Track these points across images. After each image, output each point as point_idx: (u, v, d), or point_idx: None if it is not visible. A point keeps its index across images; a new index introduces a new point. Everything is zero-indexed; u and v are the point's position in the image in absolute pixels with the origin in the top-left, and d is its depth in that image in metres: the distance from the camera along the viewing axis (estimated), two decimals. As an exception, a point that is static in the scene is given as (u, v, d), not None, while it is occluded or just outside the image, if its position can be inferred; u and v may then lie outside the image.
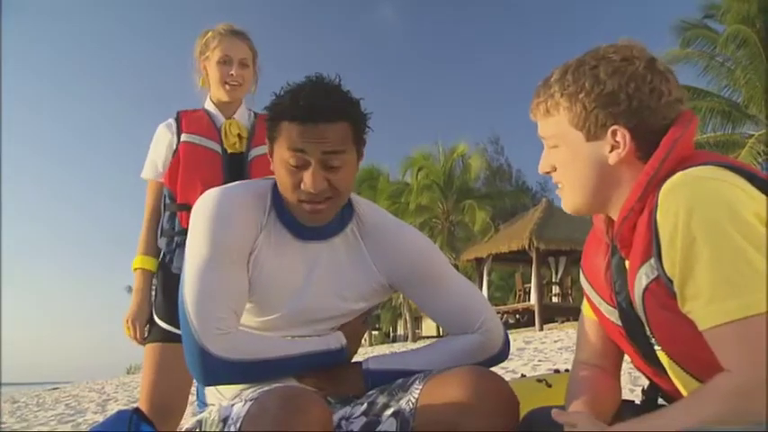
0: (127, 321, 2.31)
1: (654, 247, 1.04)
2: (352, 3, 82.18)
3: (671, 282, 1.02)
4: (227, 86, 2.32)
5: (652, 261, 1.05)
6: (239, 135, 2.33)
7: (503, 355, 1.54)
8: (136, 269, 2.34)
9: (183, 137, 2.30)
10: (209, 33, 2.37)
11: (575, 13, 70.04)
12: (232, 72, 2.31)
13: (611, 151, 1.15)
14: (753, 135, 16.12)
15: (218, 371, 1.34)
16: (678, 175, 1.04)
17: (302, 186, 1.34)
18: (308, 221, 1.41)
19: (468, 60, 73.31)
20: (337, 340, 1.46)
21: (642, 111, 1.12)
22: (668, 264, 1.02)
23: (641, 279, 1.09)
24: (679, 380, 1.15)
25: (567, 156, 1.21)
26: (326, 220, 1.42)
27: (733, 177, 1.02)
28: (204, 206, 1.40)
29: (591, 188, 1.19)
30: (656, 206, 1.04)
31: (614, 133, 1.14)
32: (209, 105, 2.39)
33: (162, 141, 2.34)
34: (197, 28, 2.45)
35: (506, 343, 1.55)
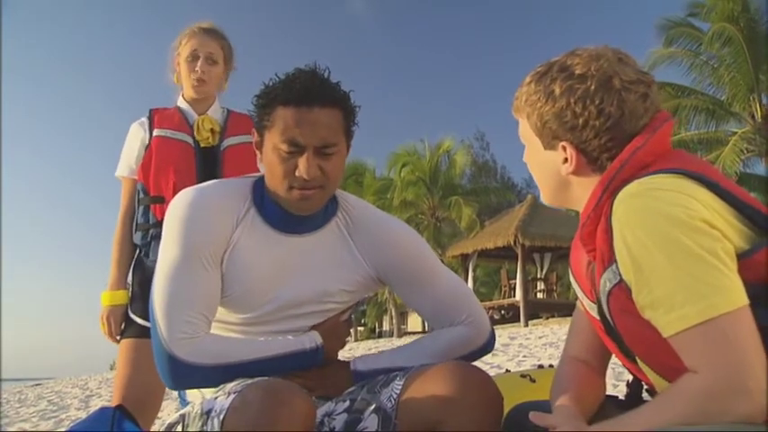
0: (102, 318, 2.29)
1: (613, 254, 1.06)
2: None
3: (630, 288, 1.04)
4: (195, 82, 2.32)
5: (614, 267, 1.06)
6: (212, 130, 2.32)
7: (488, 346, 1.56)
8: (106, 306, 2.29)
9: (156, 132, 2.30)
10: (186, 31, 2.38)
11: (560, 9, 70.37)
12: (197, 68, 2.31)
13: (563, 163, 1.20)
14: (736, 132, 16.28)
15: (186, 376, 1.33)
16: (631, 184, 1.05)
17: (296, 173, 1.34)
18: (297, 209, 1.40)
19: (452, 56, 73.45)
20: (312, 340, 1.43)
21: (587, 130, 1.14)
22: (624, 271, 1.04)
23: (605, 284, 1.10)
24: (651, 378, 1.16)
25: (531, 157, 1.28)
26: (315, 208, 1.42)
27: (686, 185, 1.02)
28: (176, 208, 1.39)
29: (551, 190, 1.27)
30: (611, 214, 1.06)
31: (564, 148, 1.18)
32: (181, 103, 2.39)
33: (135, 139, 2.34)
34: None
35: (492, 335, 1.57)
